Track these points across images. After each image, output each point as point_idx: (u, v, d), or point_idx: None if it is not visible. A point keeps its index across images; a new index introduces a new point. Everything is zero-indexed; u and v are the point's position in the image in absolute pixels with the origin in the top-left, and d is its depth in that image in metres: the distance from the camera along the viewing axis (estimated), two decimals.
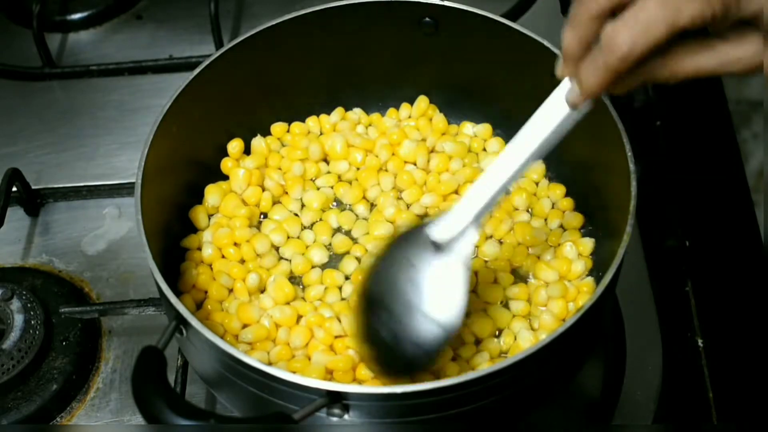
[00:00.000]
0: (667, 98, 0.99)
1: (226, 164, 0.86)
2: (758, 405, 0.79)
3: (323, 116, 0.91)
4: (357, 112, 0.91)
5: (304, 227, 0.84)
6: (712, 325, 0.84)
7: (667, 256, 0.89)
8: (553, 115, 0.60)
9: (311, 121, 0.90)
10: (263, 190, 0.85)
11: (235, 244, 0.81)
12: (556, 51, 0.79)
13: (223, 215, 0.83)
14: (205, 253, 0.81)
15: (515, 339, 0.76)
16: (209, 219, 0.84)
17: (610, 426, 0.79)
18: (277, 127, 0.90)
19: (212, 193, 0.84)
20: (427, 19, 0.85)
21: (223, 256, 0.81)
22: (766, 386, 0.79)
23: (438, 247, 0.64)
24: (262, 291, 0.80)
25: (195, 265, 0.80)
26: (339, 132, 0.89)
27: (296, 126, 0.90)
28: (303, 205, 0.85)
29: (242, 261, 0.81)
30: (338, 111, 0.91)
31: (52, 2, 1.09)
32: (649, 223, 0.89)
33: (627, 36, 0.52)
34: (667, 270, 0.88)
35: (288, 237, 0.83)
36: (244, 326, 0.76)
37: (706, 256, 0.89)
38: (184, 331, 0.68)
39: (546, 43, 0.80)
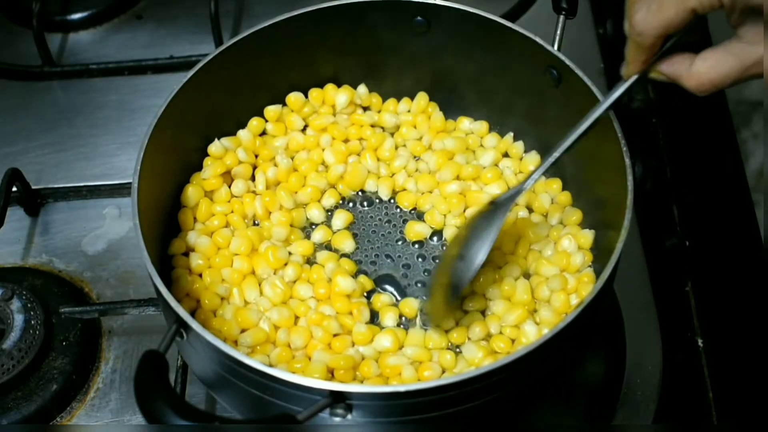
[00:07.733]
0: (667, 98, 0.99)
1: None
2: (758, 405, 0.79)
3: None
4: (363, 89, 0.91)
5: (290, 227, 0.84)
6: (712, 325, 0.85)
7: (667, 256, 0.89)
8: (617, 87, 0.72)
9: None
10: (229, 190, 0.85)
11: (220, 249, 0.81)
12: (554, 51, 0.79)
13: (200, 221, 0.83)
14: (193, 263, 0.80)
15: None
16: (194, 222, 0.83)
17: (610, 426, 0.79)
18: (271, 112, 0.88)
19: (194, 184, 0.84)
20: (423, 19, 0.85)
21: (209, 266, 0.80)
22: (766, 386, 0.79)
23: (494, 206, 0.77)
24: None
25: (187, 273, 0.80)
26: (336, 123, 0.89)
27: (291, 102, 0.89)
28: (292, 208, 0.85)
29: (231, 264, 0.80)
30: (345, 87, 0.90)
31: (52, 2, 1.09)
32: (649, 223, 0.89)
33: (642, 15, 0.63)
34: (667, 270, 0.88)
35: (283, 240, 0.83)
36: (242, 331, 0.76)
37: (706, 256, 0.89)
38: (184, 335, 0.68)
39: (546, 44, 0.80)
